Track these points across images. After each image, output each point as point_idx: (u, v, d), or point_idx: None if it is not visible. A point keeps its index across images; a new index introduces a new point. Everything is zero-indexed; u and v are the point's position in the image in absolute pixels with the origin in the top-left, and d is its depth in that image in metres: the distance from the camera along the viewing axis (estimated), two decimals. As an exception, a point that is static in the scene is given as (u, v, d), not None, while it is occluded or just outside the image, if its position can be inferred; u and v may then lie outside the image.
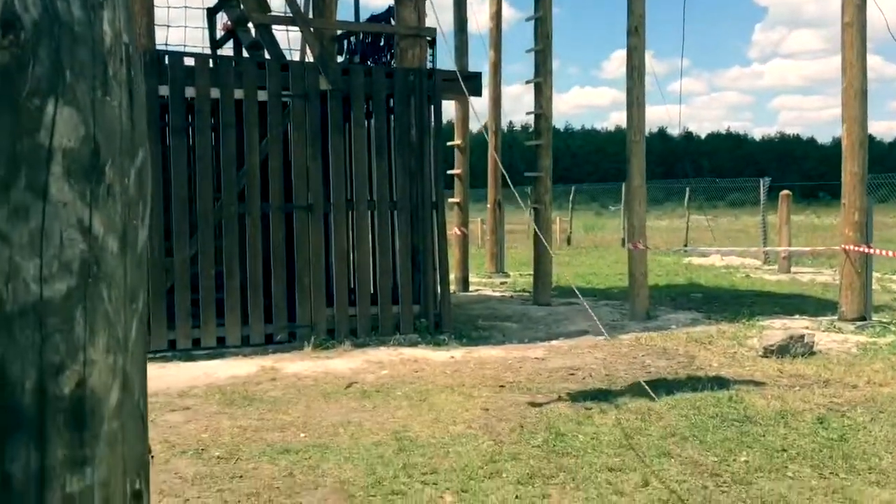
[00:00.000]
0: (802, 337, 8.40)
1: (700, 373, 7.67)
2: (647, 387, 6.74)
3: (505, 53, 16.74)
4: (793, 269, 17.10)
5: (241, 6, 10.28)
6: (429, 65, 10.42)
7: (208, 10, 11.93)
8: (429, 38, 10.43)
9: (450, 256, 11.11)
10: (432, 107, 10.12)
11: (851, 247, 9.96)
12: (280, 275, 9.36)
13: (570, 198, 30.45)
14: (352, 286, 9.99)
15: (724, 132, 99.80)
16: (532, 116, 12.64)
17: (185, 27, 11.84)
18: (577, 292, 9.76)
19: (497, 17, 16.08)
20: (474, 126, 15.41)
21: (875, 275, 12.36)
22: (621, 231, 24.06)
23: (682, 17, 12.12)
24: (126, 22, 1.13)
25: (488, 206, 16.68)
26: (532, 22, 12.47)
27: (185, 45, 12.11)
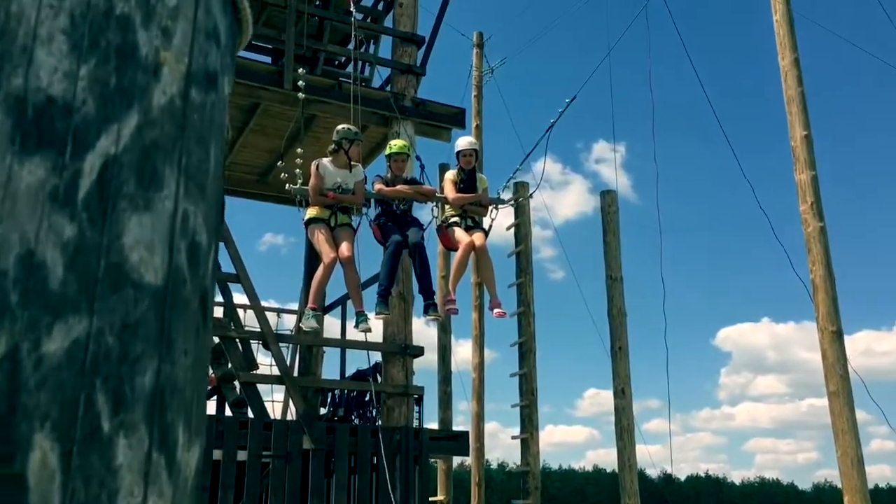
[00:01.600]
0: None
1: None
2: None
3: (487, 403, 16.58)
4: None
5: (229, 363, 10.16)
6: (416, 423, 10.10)
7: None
8: (415, 396, 10.22)
9: None
10: (418, 467, 9.60)
11: None
12: None
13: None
14: None
15: (702, 475, 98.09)
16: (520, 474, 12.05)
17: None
18: None
19: (480, 368, 16.18)
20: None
21: None
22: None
23: (666, 369, 12.15)
24: None
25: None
26: (517, 378, 12.43)
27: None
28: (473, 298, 13.83)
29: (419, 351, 10.16)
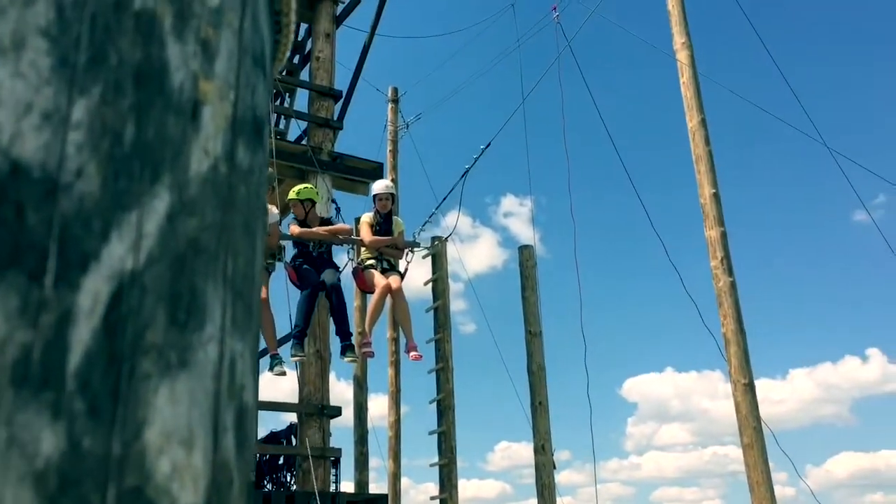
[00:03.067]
0: None
1: None
2: None
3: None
4: None
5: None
6: (332, 486, 9.55)
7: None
8: (332, 458, 9.69)
9: None
10: (337, 535, 9.04)
11: None
12: None
13: None
14: None
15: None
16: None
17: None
18: None
19: (396, 425, 15.67)
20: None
21: None
22: None
23: (590, 426, 12.05)
24: None
25: None
26: (433, 434, 12.03)
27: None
28: (390, 354, 13.42)
29: (337, 412, 9.68)
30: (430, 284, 10.97)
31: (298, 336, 7.44)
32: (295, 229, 7.62)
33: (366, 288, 8.05)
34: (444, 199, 9.19)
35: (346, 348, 7.65)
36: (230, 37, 0.45)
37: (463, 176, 9.01)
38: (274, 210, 7.46)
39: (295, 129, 10.54)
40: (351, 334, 7.71)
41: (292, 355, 7.57)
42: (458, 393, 11.40)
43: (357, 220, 9.65)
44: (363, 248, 7.98)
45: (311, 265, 7.57)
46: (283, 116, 10.83)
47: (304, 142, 9.96)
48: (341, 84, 10.16)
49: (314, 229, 7.68)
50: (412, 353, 8.03)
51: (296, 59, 11.04)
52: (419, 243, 8.67)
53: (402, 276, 8.05)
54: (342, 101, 10.15)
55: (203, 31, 0.42)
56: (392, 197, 8.07)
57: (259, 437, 10.62)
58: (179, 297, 0.36)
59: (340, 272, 7.87)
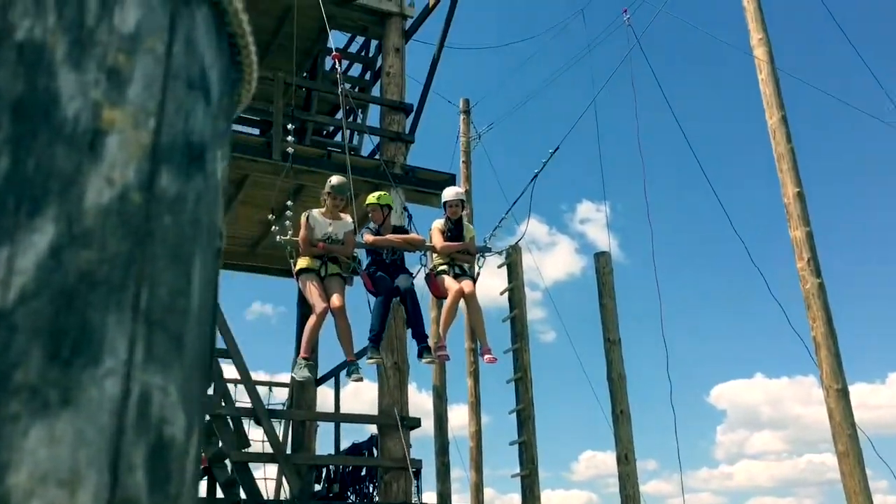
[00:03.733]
0: None
1: None
2: None
3: None
4: None
5: (220, 442, 9.65)
6: (415, 497, 9.58)
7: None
8: (414, 469, 9.72)
9: None
10: (419, 544, 9.06)
11: None
12: None
13: None
14: None
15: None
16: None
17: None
18: None
19: (477, 436, 15.63)
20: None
21: None
22: None
23: (675, 434, 11.71)
24: None
25: None
26: (514, 444, 11.94)
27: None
28: (468, 364, 13.38)
29: (416, 423, 9.72)
30: (506, 294, 10.90)
31: (374, 339, 7.54)
32: (369, 238, 7.73)
33: (439, 293, 8.09)
34: (515, 202, 9.13)
35: (423, 350, 7.70)
36: (150, 62, 0.44)
37: (532, 180, 8.92)
38: (349, 220, 7.62)
39: (368, 144, 10.67)
40: (427, 336, 7.80)
41: (368, 358, 7.63)
42: (539, 402, 11.27)
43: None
44: (435, 255, 8.07)
45: (385, 272, 7.69)
46: (355, 132, 10.98)
47: (377, 156, 10.06)
48: (412, 97, 10.26)
49: (388, 237, 7.78)
50: (487, 357, 8.01)
51: (367, 76, 11.18)
52: (490, 248, 8.59)
53: (475, 280, 8.06)
54: (413, 114, 10.21)
55: (111, 59, 0.41)
56: (462, 203, 8.12)
57: (341, 449, 10.74)
58: (64, 333, 0.35)
59: (414, 277, 7.99)
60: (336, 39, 11.58)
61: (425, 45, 10.91)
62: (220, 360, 9.57)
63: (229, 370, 9.81)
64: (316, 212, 7.48)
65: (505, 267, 10.78)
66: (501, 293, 10.84)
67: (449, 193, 8.15)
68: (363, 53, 11.22)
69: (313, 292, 7.22)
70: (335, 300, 7.24)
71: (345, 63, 11.36)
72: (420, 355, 7.79)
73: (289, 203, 7.39)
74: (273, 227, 7.34)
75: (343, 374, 9.83)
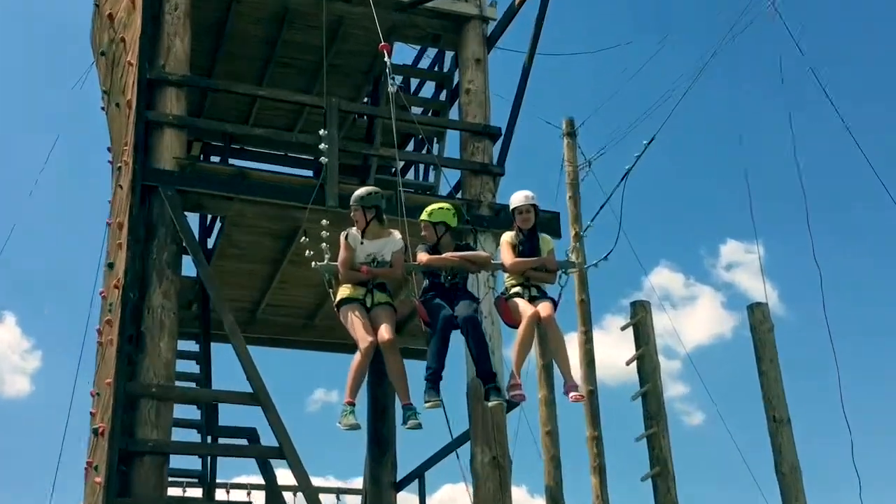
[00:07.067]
0: None
1: None
2: None
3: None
4: None
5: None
6: None
7: None
8: None
9: None
10: None
11: None
12: None
13: None
14: None
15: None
16: None
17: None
18: None
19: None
20: None
21: None
22: None
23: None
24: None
25: None
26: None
27: None
28: (591, 458, 10.93)
29: (523, 538, 7.44)
30: (633, 364, 8.61)
31: (431, 378, 6.49)
32: (423, 257, 6.70)
33: (511, 321, 6.95)
34: (600, 209, 7.59)
35: (490, 391, 6.65)
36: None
37: (623, 179, 7.75)
38: (397, 236, 6.64)
39: (445, 181, 8.81)
40: (495, 374, 6.75)
41: (426, 401, 6.47)
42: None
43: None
44: (506, 275, 7.03)
45: (444, 298, 6.68)
46: (430, 167, 9.11)
47: (458, 195, 8.15)
48: (499, 120, 8.65)
49: (445, 255, 6.72)
50: (572, 394, 6.73)
51: (442, 95, 9.30)
52: (574, 263, 7.30)
53: (556, 303, 6.93)
54: (501, 139, 8.58)
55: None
56: (535, 209, 6.98)
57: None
58: None
59: (479, 303, 7.03)
60: (402, 55, 9.72)
61: (511, 54, 9.11)
62: (271, 462, 8.03)
63: (284, 475, 8.33)
64: (356, 230, 6.59)
65: (630, 329, 8.57)
66: (628, 363, 8.74)
67: (518, 198, 7.05)
68: (436, 68, 9.36)
69: (357, 325, 6.46)
70: (384, 333, 6.41)
71: (413, 82, 9.46)
72: (487, 397, 6.72)
73: (324, 222, 6.33)
74: (307, 250, 6.41)
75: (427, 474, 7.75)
